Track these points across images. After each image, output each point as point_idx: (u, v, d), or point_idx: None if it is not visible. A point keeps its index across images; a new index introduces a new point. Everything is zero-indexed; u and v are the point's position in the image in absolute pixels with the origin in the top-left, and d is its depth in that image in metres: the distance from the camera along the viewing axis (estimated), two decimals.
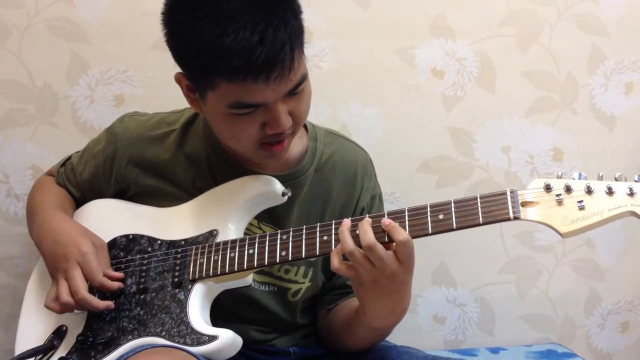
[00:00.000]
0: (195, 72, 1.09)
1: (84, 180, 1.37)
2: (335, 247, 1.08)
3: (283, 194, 1.21)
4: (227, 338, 1.09)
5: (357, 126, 1.66)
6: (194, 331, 1.10)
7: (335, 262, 1.06)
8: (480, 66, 1.67)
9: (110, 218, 1.30)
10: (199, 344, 1.08)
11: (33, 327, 1.27)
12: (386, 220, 1.05)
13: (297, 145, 1.27)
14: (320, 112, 1.64)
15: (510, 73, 1.68)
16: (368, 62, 1.65)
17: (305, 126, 1.31)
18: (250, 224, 1.25)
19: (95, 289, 1.19)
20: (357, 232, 1.05)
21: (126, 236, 1.27)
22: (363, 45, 1.64)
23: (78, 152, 1.43)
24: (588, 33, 1.68)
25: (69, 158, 1.43)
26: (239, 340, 1.11)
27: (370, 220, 1.06)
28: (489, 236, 1.75)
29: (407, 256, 1.04)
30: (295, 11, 1.08)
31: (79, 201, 1.38)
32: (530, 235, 1.76)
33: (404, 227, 1.05)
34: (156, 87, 1.59)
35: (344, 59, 1.64)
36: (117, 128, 1.33)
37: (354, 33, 1.63)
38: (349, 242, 1.04)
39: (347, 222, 1.07)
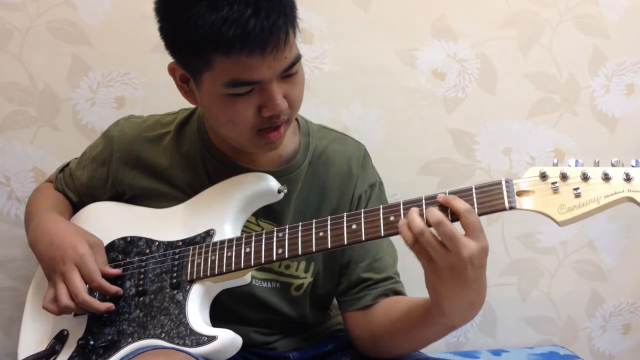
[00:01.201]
0: (190, 54, 1.08)
1: (81, 184, 1.37)
2: (330, 243, 1.07)
3: (279, 191, 1.20)
4: (227, 338, 1.08)
5: (358, 128, 1.66)
6: (193, 332, 1.10)
7: (409, 234, 0.99)
8: (482, 68, 1.67)
9: (108, 221, 1.30)
10: (198, 344, 1.08)
11: (35, 331, 1.27)
12: (441, 195, 1.00)
13: (290, 141, 1.26)
14: (321, 114, 1.64)
15: (511, 75, 1.68)
16: (369, 64, 1.65)
17: (297, 122, 1.31)
18: (248, 221, 1.24)
19: (94, 291, 1.18)
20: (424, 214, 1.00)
21: (124, 238, 1.26)
22: (364, 47, 1.64)
23: (76, 158, 1.43)
24: (589, 34, 1.68)
25: (68, 164, 1.43)
26: (238, 340, 1.10)
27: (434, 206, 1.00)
28: (490, 238, 1.70)
29: (476, 229, 0.97)
30: None
31: (77, 206, 1.38)
32: (532, 237, 1.76)
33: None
34: (157, 90, 1.59)
35: (344, 60, 1.64)
36: (113, 131, 1.33)
37: (355, 35, 1.63)
38: (417, 221, 0.98)
39: (414, 209, 1.01)
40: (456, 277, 0.99)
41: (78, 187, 1.38)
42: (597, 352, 1.86)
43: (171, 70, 1.15)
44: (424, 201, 1.02)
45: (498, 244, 1.76)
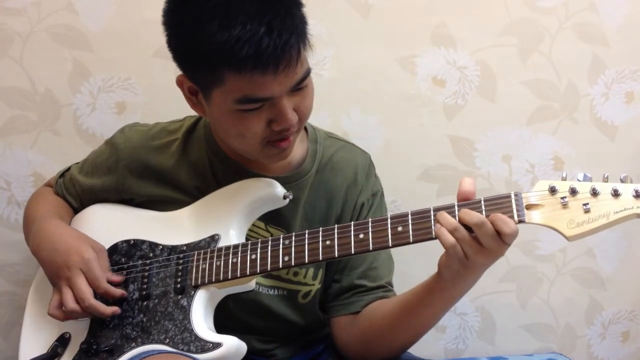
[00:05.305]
0: (201, 69, 1.09)
1: (83, 190, 1.37)
2: (337, 252, 1.07)
3: (285, 197, 1.20)
4: (232, 345, 1.08)
5: (358, 135, 1.66)
6: (197, 338, 1.10)
7: (449, 238, 1.00)
8: (481, 75, 1.68)
9: (111, 223, 1.30)
10: (203, 351, 1.08)
11: (36, 335, 1.27)
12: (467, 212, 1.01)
13: (298, 148, 1.27)
14: (321, 121, 1.64)
15: (511, 82, 1.68)
16: (369, 70, 1.65)
17: (305, 129, 1.31)
18: (257, 226, 1.25)
19: (98, 296, 1.18)
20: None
21: (127, 241, 1.26)
22: (364, 53, 1.64)
23: (77, 163, 1.42)
24: (589, 42, 1.68)
25: (68, 169, 1.43)
26: (243, 347, 1.10)
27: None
28: None
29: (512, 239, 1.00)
30: (298, 3, 1.09)
31: (78, 212, 1.38)
32: (531, 244, 1.76)
33: (407, 232, 1.04)
34: (158, 95, 1.60)
35: (344, 67, 1.65)
36: (118, 139, 1.33)
37: (355, 42, 1.63)
38: (450, 219, 1.00)
39: (444, 212, 1.03)
40: (482, 267, 1.04)
41: (80, 193, 1.37)
42: (596, 359, 1.85)
43: (179, 82, 1.15)
44: (432, 212, 1.03)
45: None
